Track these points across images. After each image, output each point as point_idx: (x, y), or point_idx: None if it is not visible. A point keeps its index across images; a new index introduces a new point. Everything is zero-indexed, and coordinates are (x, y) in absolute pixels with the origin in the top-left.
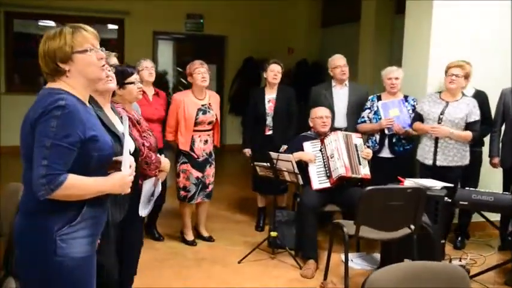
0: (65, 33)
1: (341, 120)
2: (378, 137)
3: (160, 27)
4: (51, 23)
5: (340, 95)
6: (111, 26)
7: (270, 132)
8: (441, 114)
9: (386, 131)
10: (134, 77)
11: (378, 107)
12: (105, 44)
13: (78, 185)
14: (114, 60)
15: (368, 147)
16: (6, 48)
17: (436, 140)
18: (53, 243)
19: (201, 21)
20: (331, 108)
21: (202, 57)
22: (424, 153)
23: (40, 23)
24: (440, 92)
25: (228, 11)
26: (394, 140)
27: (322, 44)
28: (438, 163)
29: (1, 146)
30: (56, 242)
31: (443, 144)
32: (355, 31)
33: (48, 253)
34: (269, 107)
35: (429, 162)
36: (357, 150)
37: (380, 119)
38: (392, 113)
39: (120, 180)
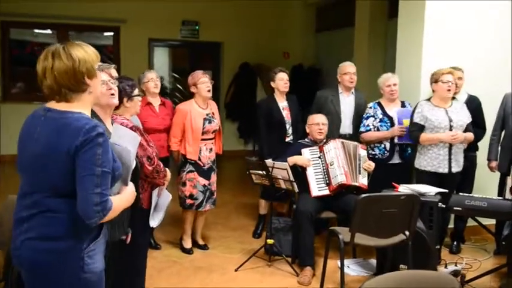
0: (87, 49)
1: (347, 127)
2: (387, 144)
3: (155, 34)
4: (48, 31)
5: (347, 101)
6: (106, 33)
7: (289, 139)
8: (450, 121)
9: (396, 140)
10: (137, 90)
11: (383, 114)
12: (101, 50)
13: (117, 206)
14: (114, 73)
15: (374, 156)
16: (3, 56)
17: (450, 147)
18: (81, 260)
19: (197, 27)
20: (337, 114)
21: (198, 64)
22: (437, 162)
23: (36, 30)
24: (429, 99)
25: (223, 17)
26: (403, 146)
27: (317, 48)
28: (453, 170)
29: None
30: (83, 259)
31: (456, 151)
32: (349, 36)
33: (77, 271)
34: (286, 114)
35: (444, 170)
36: (359, 160)
37: (391, 126)
38: (406, 122)
39: (132, 194)
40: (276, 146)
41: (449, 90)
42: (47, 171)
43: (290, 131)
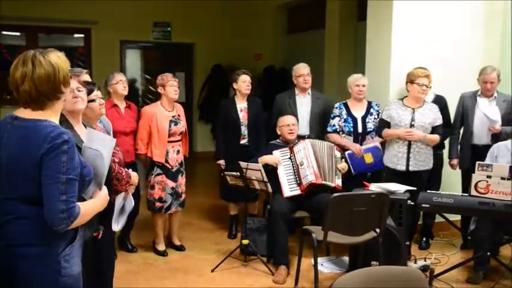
0: (61, 56)
1: (304, 128)
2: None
3: (127, 36)
4: (17, 33)
5: (303, 103)
6: (77, 35)
7: (244, 141)
8: (412, 120)
9: (352, 171)
10: (95, 94)
11: (348, 114)
12: (71, 52)
13: (86, 211)
14: (86, 77)
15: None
16: None
17: (409, 145)
18: (58, 264)
19: (169, 29)
20: (295, 116)
21: (170, 65)
22: (396, 160)
23: (4, 32)
24: (402, 99)
25: (195, 18)
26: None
27: (289, 50)
28: (411, 168)
29: None
30: (60, 263)
31: (416, 150)
32: (320, 38)
33: (55, 275)
34: (242, 116)
35: (402, 168)
36: (335, 162)
37: (354, 126)
38: (367, 157)
39: (105, 198)
40: (230, 148)
41: (423, 93)
42: (16, 179)
43: (246, 133)
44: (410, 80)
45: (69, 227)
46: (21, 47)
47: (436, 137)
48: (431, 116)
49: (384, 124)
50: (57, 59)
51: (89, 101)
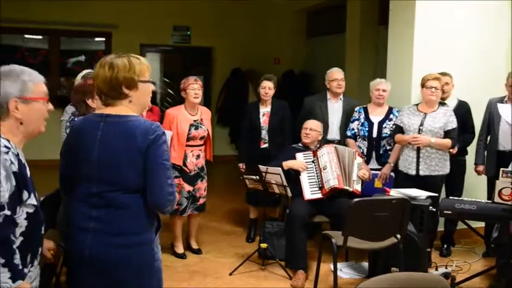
0: (134, 63)
1: (334, 133)
2: (365, 150)
3: (147, 40)
4: (39, 37)
5: (335, 107)
6: (98, 38)
7: (265, 146)
8: (421, 125)
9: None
10: None
11: (365, 118)
12: (92, 56)
13: None
14: None
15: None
16: None
17: (418, 150)
18: (152, 250)
19: (188, 33)
20: (325, 120)
21: (189, 69)
22: (407, 164)
23: (26, 36)
24: (417, 104)
25: (215, 22)
26: (381, 152)
27: (308, 54)
28: (421, 173)
29: None
30: (153, 249)
31: (425, 154)
32: (340, 42)
33: (151, 261)
34: (263, 120)
35: (412, 172)
36: (356, 167)
37: (369, 131)
38: (377, 182)
39: None
40: (251, 151)
41: (432, 95)
42: (119, 170)
43: (266, 137)
44: (422, 83)
45: (172, 208)
46: (43, 50)
47: (446, 141)
48: (442, 120)
49: (397, 129)
50: (116, 62)
51: None
